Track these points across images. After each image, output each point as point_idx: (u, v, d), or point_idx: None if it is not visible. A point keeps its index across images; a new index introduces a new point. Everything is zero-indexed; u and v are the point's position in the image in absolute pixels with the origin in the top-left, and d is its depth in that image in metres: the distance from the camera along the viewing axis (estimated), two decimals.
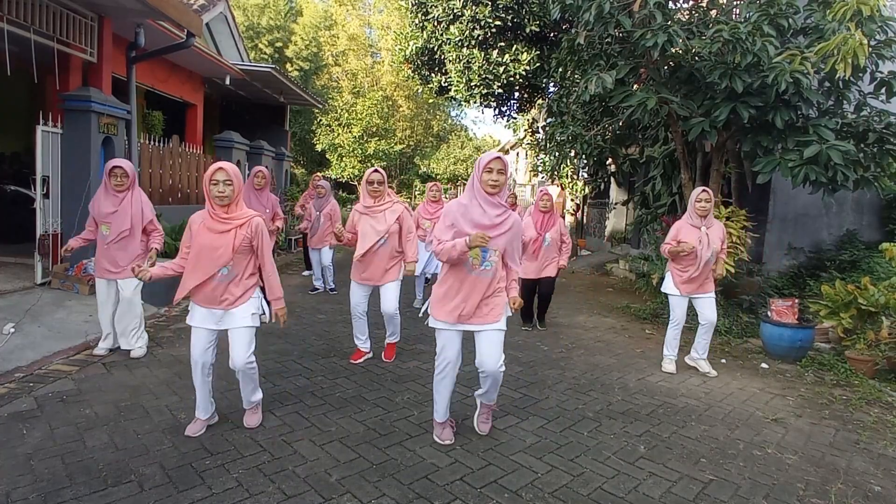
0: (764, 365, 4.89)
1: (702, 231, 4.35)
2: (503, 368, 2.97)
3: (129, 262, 4.01)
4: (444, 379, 3.02)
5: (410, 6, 11.92)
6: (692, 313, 4.72)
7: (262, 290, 3.11)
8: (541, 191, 5.75)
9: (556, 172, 9.71)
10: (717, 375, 4.52)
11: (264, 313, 3.09)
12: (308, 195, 7.38)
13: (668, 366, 4.61)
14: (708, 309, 4.49)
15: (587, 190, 13.44)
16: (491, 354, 2.91)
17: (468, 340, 3.03)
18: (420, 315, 3.10)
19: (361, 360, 4.43)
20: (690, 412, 3.72)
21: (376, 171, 4.18)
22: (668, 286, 4.58)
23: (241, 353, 2.96)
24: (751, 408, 3.85)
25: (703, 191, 4.41)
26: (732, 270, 5.69)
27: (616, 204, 12.25)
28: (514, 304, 2.94)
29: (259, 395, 3.20)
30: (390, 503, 2.47)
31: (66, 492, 2.42)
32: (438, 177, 28.38)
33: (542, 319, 5.97)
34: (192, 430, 3.01)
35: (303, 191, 10.67)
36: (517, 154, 25.61)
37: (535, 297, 5.86)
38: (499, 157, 2.79)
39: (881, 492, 2.80)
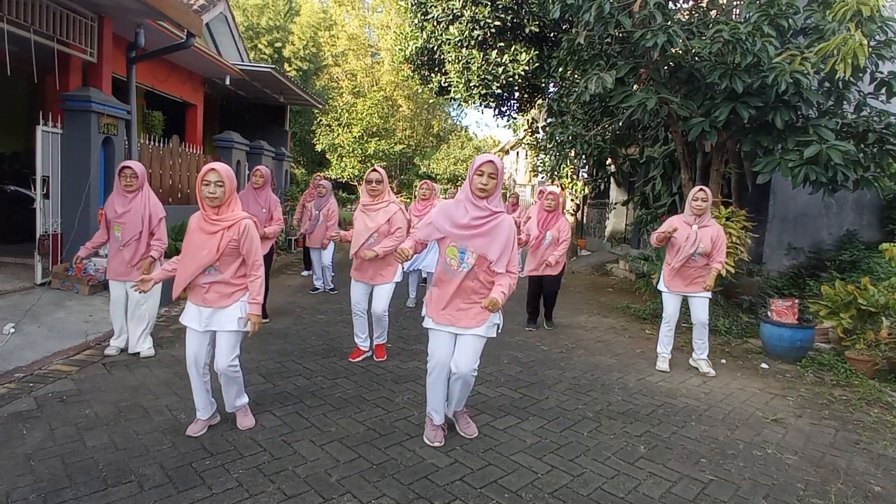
0: (764, 365, 4.89)
1: (692, 228, 4.39)
2: (475, 374, 2.99)
3: (138, 263, 4.08)
4: (437, 380, 3.02)
5: (410, 6, 11.92)
6: (687, 314, 4.74)
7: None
8: (548, 190, 5.80)
9: (556, 172, 9.72)
10: (717, 376, 4.52)
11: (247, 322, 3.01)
12: (308, 194, 7.39)
13: (662, 364, 4.64)
14: (699, 309, 4.52)
15: (587, 190, 13.44)
16: (463, 358, 2.91)
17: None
18: (422, 315, 3.11)
19: (360, 358, 4.44)
20: (690, 412, 3.72)
21: (375, 170, 4.24)
22: (661, 283, 4.67)
23: (224, 355, 2.96)
24: (751, 408, 3.85)
25: (700, 190, 4.44)
26: (733, 270, 5.69)
27: (616, 204, 12.25)
28: (489, 304, 2.68)
29: (244, 399, 3.17)
30: (390, 503, 2.47)
31: (66, 492, 2.41)
32: (438, 177, 28.38)
33: (549, 318, 6.01)
34: (193, 431, 3.01)
35: (302, 191, 10.68)
36: (517, 154, 25.62)
37: (541, 297, 5.88)
38: (491, 161, 2.75)
39: (881, 492, 2.80)
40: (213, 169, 2.84)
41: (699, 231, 4.38)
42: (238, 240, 2.89)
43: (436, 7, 11.17)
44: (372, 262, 4.17)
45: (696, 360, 4.67)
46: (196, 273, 2.89)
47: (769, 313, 5.13)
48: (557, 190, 6.55)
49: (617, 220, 12.65)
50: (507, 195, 10.76)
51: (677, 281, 4.51)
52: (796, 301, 5.10)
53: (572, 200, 14.84)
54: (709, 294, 4.50)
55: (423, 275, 6.63)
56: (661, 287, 4.67)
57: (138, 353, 4.27)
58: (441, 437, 3.08)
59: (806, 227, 7.64)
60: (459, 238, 2.80)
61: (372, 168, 4.26)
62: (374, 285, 4.27)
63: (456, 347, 2.96)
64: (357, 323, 4.41)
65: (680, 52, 5.73)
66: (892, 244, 5.02)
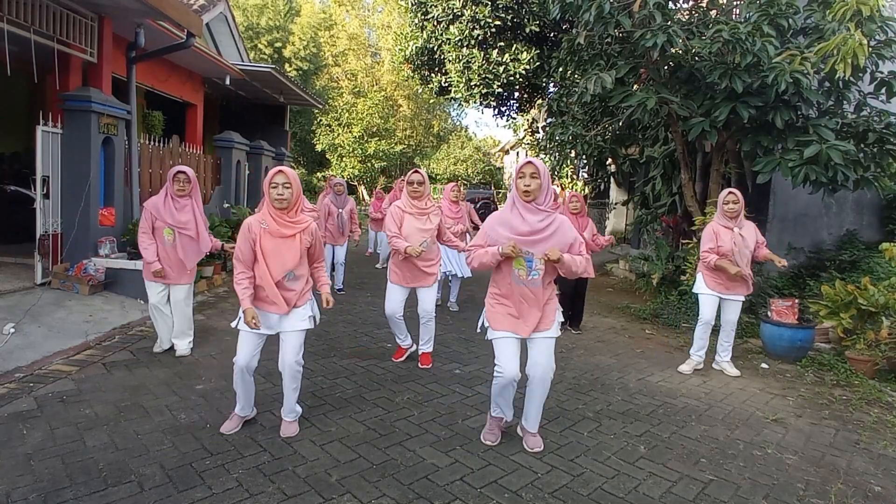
0: (764, 365, 4.89)
1: (734, 232, 4.35)
2: (551, 376, 2.94)
3: (192, 267, 4.23)
4: (506, 388, 2.95)
5: (410, 6, 11.94)
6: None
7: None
8: (570, 193, 5.75)
9: (556, 172, 9.73)
10: (717, 376, 4.53)
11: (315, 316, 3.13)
12: (325, 194, 7.39)
13: (686, 367, 4.58)
14: (732, 312, 4.52)
15: (587, 190, 13.44)
16: (542, 362, 2.88)
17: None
18: (478, 330, 3.07)
19: (404, 357, 4.46)
20: (690, 412, 3.72)
21: (417, 171, 4.21)
22: (700, 287, 4.54)
23: (293, 353, 2.98)
24: (751, 408, 3.85)
25: (731, 192, 4.41)
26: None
27: (616, 204, 12.25)
28: (550, 255, 2.68)
29: (299, 409, 3.17)
30: (390, 503, 2.47)
31: (66, 492, 2.41)
32: (438, 177, 28.39)
33: (578, 322, 5.84)
34: (228, 428, 3.04)
35: (303, 191, 10.67)
36: (517, 154, 25.64)
37: (570, 299, 5.78)
38: (530, 162, 2.74)
39: (881, 492, 2.80)
40: (280, 171, 2.85)
41: (742, 233, 4.35)
42: (311, 242, 3.00)
43: (436, 7, 11.18)
44: (428, 265, 4.14)
45: (720, 363, 4.64)
46: (277, 278, 2.90)
47: (769, 313, 5.13)
48: (556, 190, 6.53)
49: (617, 220, 12.65)
50: (508, 195, 10.75)
51: (724, 284, 4.42)
52: (796, 301, 5.10)
53: None
54: (743, 297, 4.49)
55: (464, 276, 6.55)
56: (701, 290, 4.53)
57: (178, 351, 4.32)
58: (493, 437, 3.09)
59: (806, 227, 7.64)
60: (523, 244, 2.76)
61: (413, 169, 4.23)
62: (422, 287, 4.22)
63: (531, 353, 2.92)
64: (397, 327, 4.33)
65: (680, 52, 5.73)
66: (892, 244, 5.02)
